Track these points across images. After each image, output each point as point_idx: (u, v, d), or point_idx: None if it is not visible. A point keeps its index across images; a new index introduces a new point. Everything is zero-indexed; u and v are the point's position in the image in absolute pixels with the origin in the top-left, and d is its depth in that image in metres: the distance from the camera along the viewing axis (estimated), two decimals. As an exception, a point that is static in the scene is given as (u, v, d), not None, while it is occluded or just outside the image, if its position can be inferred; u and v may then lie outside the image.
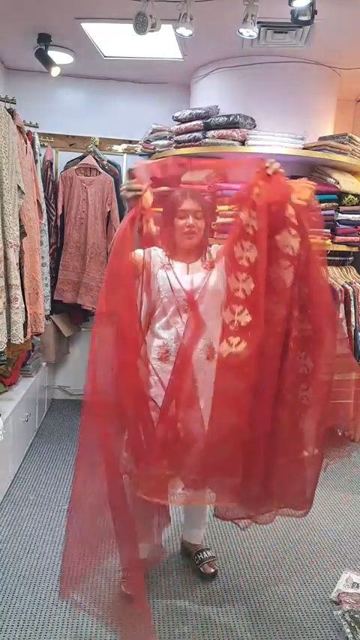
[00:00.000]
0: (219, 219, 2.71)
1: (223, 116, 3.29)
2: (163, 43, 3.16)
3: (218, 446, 1.72)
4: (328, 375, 1.82)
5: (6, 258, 2.46)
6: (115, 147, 4.04)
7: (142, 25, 2.55)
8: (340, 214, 3.40)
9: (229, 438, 1.73)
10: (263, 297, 1.69)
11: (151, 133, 3.79)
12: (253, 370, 1.69)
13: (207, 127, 3.34)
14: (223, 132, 3.25)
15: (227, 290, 1.73)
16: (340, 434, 3.55)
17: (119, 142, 4.03)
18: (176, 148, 3.53)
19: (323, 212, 3.34)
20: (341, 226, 3.43)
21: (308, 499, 1.92)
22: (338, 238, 3.43)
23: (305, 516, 1.98)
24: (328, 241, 3.40)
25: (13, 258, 2.49)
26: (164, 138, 3.71)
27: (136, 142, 3.92)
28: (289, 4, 2.46)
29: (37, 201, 3.13)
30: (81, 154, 3.85)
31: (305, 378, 1.79)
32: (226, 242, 1.78)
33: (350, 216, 3.44)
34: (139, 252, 1.91)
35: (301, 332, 1.76)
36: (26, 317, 2.76)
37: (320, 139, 3.44)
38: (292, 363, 1.75)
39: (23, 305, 2.69)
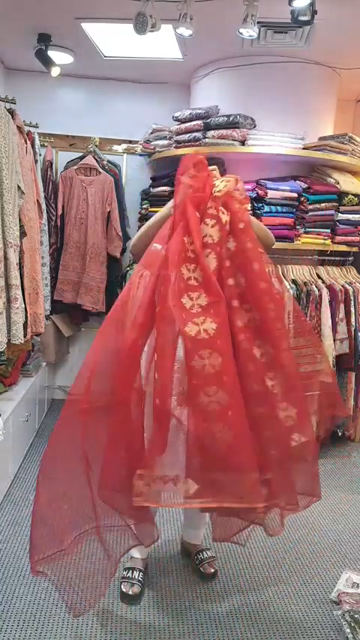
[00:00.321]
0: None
1: (223, 116, 3.29)
2: (163, 43, 3.16)
3: (213, 435, 1.64)
4: (290, 362, 1.81)
5: (6, 258, 2.46)
6: (115, 147, 4.04)
7: (142, 25, 2.55)
8: (340, 214, 3.41)
9: (222, 420, 1.65)
10: (215, 279, 1.73)
11: (151, 133, 3.79)
12: (226, 342, 1.70)
13: (207, 127, 3.34)
14: (223, 132, 3.25)
15: (180, 279, 1.74)
16: (339, 434, 3.57)
17: (119, 142, 4.04)
18: (176, 148, 3.54)
19: (323, 212, 3.36)
20: (341, 226, 3.44)
21: (314, 489, 1.91)
22: (338, 238, 3.44)
23: (318, 500, 1.95)
24: (328, 241, 3.42)
25: (13, 258, 2.49)
26: (164, 138, 3.72)
27: (136, 142, 3.92)
28: (289, 4, 2.46)
29: (37, 201, 3.13)
30: (81, 154, 3.86)
31: (270, 367, 1.78)
32: (177, 235, 1.80)
33: (350, 216, 3.45)
34: (158, 245, 1.90)
35: (252, 322, 1.78)
36: (26, 317, 2.76)
37: (320, 139, 3.44)
38: (246, 353, 1.75)
39: (23, 305, 2.69)
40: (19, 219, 2.63)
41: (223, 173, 1.97)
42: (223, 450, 1.67)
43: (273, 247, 2.10)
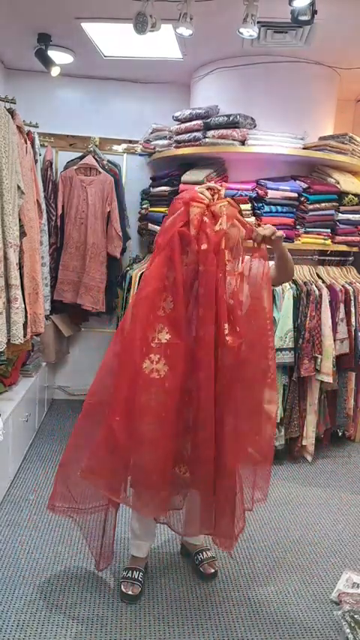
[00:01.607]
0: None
1: (223, 116, 3.29)
2: (163, 43, 3.16)
3: (141, 456, 1.81)
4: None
5: (6, 258, 2.46)
6: (115, 147, 4.04)
7: (142, 25, 2.54)
8: (340, 214, 3.40)
9: (152, 451, 1.80)
10: (184, 322, 1.77)
11: (151, 133, 3.79)
12: (174, 384, 1.76)
13: (207, 127, 3.33)
14: (223, 132, 3.25)
15: (155, 308, 1.79)
16: (339, 434, 3.56)
17: (119, 141, 4.04)
18: (176, 147, 3.54)
19: (323, 212, 3.36)
20: (341, 226, 3.43)
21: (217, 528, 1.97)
22: (338, 238, 3.44)
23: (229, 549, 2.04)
24: (329, 241, 3.42)
25: (13, 258, 2.49)
26: (164, 138, 3.71)
27: (136, 142, 3.92)
28: (289, 4, 2.45)
29: (37, 201, 3.13)
30: (81, 154, 3.85)
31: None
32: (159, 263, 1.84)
33: (350, 216, 3.45)
34: None
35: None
36: (26, 317, 2.76)
37: (320, 138, 3.44)
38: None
39: (23, 305, 2.69)
40: (19, 219, 2.63)
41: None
42: (146, 470, 1.82)
43: None
